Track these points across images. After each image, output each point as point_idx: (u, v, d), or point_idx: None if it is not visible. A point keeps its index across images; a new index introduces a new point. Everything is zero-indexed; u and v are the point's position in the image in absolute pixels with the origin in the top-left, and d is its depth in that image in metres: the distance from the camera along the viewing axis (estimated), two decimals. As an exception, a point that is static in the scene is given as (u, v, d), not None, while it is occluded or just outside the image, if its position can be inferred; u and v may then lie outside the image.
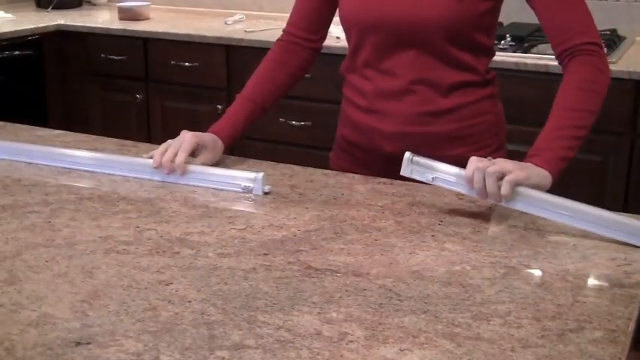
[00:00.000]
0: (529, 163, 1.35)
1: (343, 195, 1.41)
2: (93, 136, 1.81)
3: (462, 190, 1.34)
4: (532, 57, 2.72)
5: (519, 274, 1.13)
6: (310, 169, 1.56)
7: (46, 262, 1.15)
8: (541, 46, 2.81)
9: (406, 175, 1.37)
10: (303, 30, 1.65)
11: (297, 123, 3.14)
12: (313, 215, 1.34)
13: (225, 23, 3.49)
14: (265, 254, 1.19)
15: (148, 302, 1.04)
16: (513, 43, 2.82)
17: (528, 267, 1.16)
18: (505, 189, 1.28)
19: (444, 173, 1.35)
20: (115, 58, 3.50)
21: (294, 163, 1.60)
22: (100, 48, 3.53)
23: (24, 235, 1.25)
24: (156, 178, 1.49)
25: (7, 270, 1.13)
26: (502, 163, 1.31)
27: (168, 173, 1.47)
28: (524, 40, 2.86)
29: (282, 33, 1.69)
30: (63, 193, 1.43)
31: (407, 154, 1.36)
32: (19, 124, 1.87)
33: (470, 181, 1.31)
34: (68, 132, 1.82)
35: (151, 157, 1.49)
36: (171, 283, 1.09)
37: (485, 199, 1.32)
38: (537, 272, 1.15)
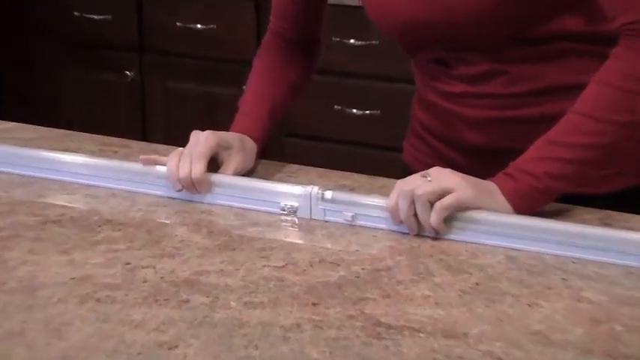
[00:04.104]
0: (493, 185, 1.37)
1: (429, 217, 1.41)
2: (63, 130, 1.84)
3: (390, 226, 1.38)
4: None
5: (696, 338, 1.11)
6: (380, 180, 1.57)
7: (-4, 314, 1.17)
8: None
9: (319, 219, 1.43)
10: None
11: (360, 112, 3.15)
12: (384, 247, 1.34)
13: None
14: (314, 304, 1.19)
15: (143, 374, 1.04)
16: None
17: None
18: (433, 219, 1.33)
19: (368, 208, 1.40)
20: (95, 17, 3.55)
21: (355, 170, 1.60)
22: (73, 3, 3.58)
23: (-36, 274, 1.26)
24: (158, 192, 1.50)
25: (-60, 325, 1.14)
26: (440, 180, 1.34)
27: (194, 192, 1.48)
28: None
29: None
30: (19, 214, 1.45)
31: (315, 190, 1.42)
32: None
33: (394, 212, 1.35)
34: (26, 124, 1.85)
35: (155, 164, 1.50)
36: (176, 347, 1.09)
37: (416, 234, 1.36)
38: None
